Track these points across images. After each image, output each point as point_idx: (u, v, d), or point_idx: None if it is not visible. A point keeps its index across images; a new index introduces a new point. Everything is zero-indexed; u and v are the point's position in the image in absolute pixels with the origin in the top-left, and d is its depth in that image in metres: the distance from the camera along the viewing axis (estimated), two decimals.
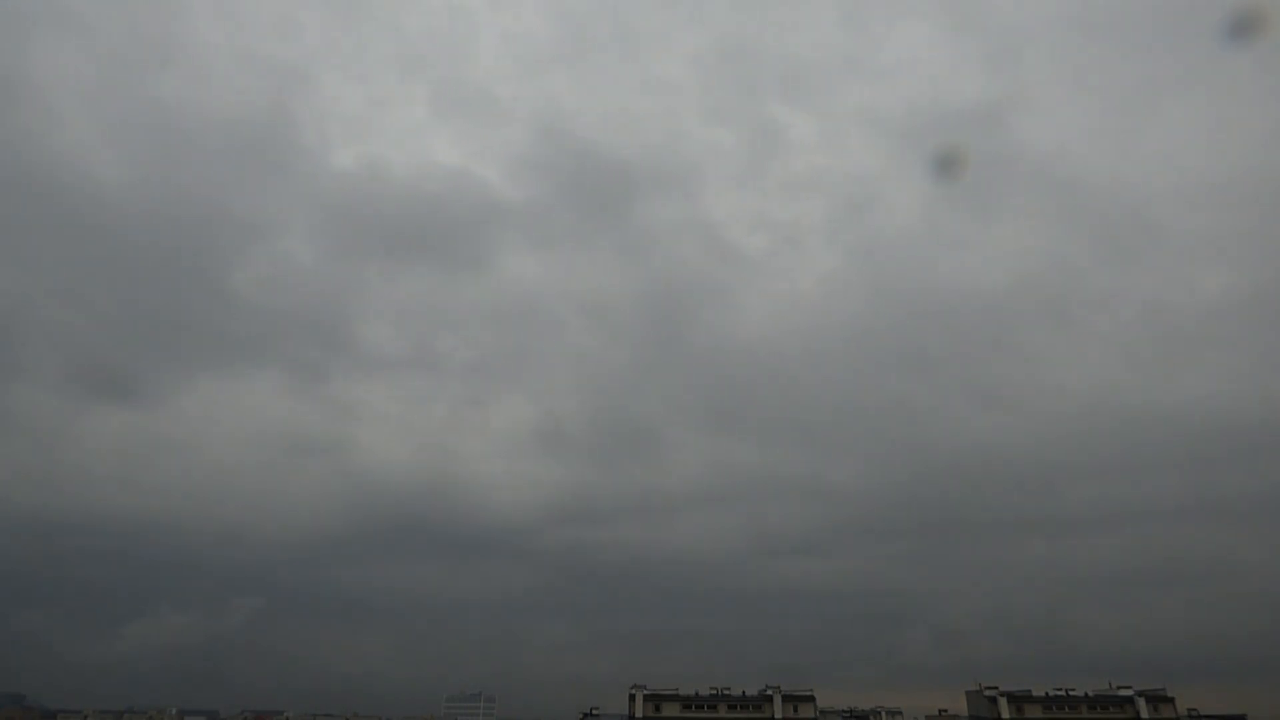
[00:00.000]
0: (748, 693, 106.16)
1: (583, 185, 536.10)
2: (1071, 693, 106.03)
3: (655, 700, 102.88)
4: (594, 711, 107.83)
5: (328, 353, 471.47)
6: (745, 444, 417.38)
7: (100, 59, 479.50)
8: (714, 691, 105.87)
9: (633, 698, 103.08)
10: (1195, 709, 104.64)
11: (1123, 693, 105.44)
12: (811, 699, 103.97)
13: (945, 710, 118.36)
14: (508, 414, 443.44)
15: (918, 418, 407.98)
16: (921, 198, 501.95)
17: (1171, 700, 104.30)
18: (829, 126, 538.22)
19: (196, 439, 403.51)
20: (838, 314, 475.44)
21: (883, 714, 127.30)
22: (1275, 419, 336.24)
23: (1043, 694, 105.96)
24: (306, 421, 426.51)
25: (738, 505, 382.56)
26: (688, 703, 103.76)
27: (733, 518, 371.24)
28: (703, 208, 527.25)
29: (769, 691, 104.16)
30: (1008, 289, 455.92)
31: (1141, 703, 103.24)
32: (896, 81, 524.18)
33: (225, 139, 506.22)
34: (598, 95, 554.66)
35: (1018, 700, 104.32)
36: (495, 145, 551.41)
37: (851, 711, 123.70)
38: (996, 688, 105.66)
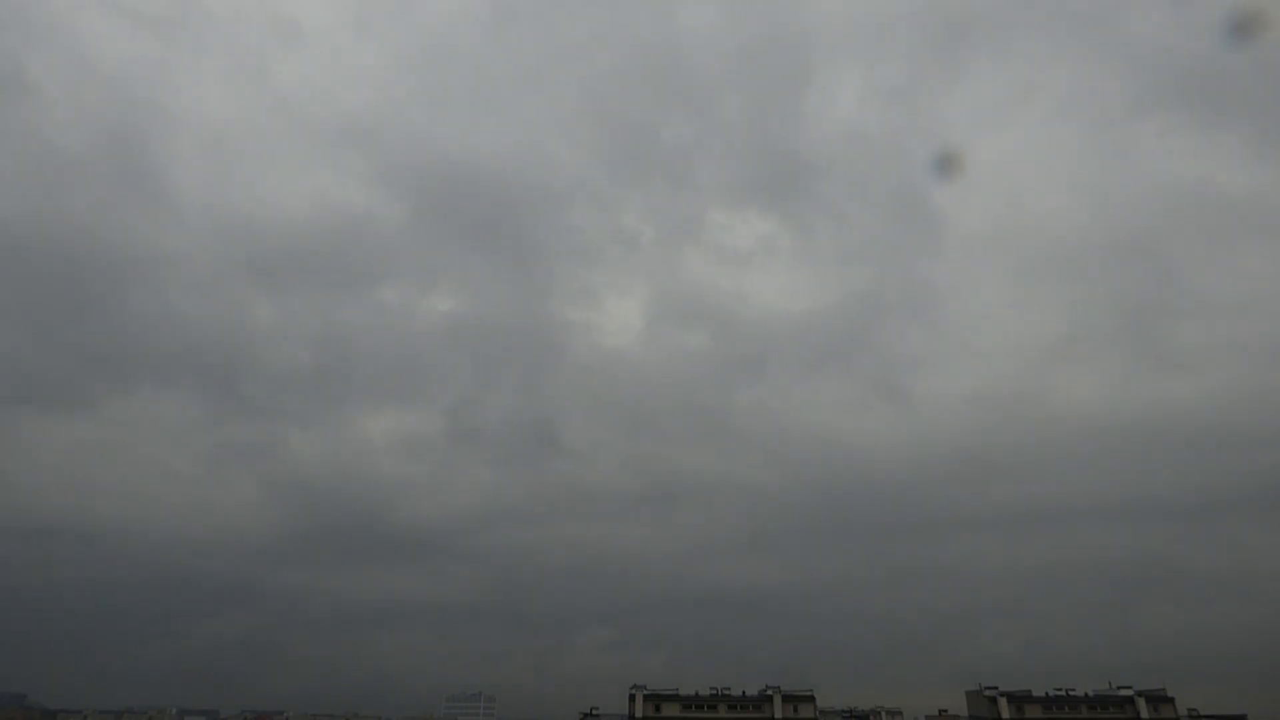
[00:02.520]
0: (747, 693, 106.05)
1: (454, 206, 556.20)
2: (1071, 693, 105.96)
3: (655, 700, 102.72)
4: (594, 711, 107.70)
5: (237, 367, 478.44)
6: (659, 448, 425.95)
7: None
8: (714, 691, 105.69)
9: (633, 698, 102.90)
10: (1195, 709, 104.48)
11: (1123, 693, 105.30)
12: (811, 699, 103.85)
13: (945, 710, 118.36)
14: (422, 422, 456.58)
15: (820, 422, 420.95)
16: (769, 211, 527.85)
17: (1171, 700, 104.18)
18: (683, 143, 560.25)
19: (146, 451, 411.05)
20: (700, 324, 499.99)
21: (883, 714, 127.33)
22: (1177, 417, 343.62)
23: (1043, 694, 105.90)
24: (235, 430, 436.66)
25: (664, 506, 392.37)
26: (688, 703, 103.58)
27: (669, 518, 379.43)
28: (570, 225, 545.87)
29: (769, 691, 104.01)
30: (865, 295, 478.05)
31: (1141, 703, 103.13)
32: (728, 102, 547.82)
33: (89, 169, 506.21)
34: (463, 119, 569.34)
35: (1018, 700, 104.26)
36: (365, 173, 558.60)
37: (851, 712, 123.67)
38: (996, 688, 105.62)
